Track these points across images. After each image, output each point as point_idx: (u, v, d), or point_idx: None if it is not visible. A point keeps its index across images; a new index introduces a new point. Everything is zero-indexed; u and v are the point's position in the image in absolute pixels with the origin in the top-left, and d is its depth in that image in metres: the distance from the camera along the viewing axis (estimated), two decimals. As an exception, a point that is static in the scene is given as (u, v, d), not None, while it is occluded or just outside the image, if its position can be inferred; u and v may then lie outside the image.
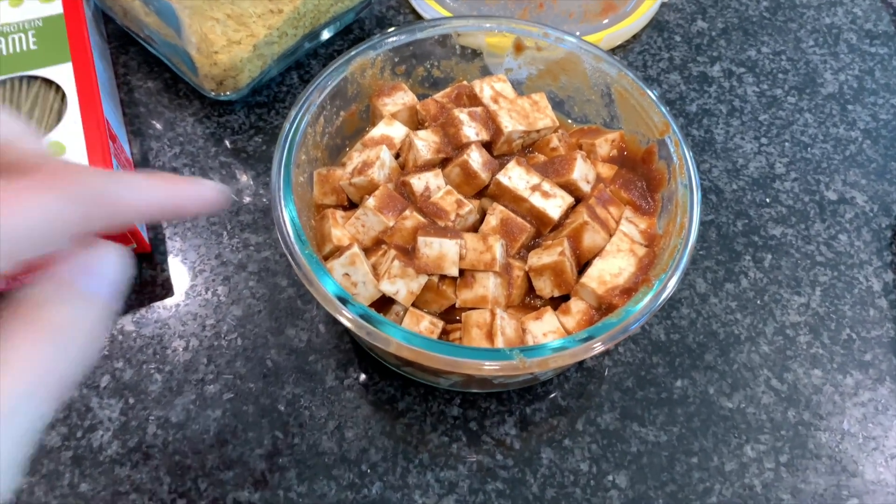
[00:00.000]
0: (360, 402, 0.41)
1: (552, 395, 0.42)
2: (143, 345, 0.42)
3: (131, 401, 0.40)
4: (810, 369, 0.43)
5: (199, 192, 0.25)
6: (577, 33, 0.56)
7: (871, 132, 0.53)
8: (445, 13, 0.55)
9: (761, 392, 0.42)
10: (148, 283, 0.44)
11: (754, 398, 0.42)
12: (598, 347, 0.33)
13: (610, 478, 0.40)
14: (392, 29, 0.42)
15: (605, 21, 0.57)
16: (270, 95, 0.52)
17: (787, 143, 0.52)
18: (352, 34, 0.56)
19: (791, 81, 0.56)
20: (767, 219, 0.49)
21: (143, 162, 0.49)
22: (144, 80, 0.52)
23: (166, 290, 0.44)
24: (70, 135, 0.42)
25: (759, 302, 0.46)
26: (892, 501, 0.39)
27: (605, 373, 0.43)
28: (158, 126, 0.51)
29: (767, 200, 0.50)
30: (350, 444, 0.40)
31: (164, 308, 0.43)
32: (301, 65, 0.54)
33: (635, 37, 0.57)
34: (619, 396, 0.42)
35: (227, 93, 0.49)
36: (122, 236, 0.42)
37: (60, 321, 0.21)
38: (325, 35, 0.53)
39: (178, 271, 0.45)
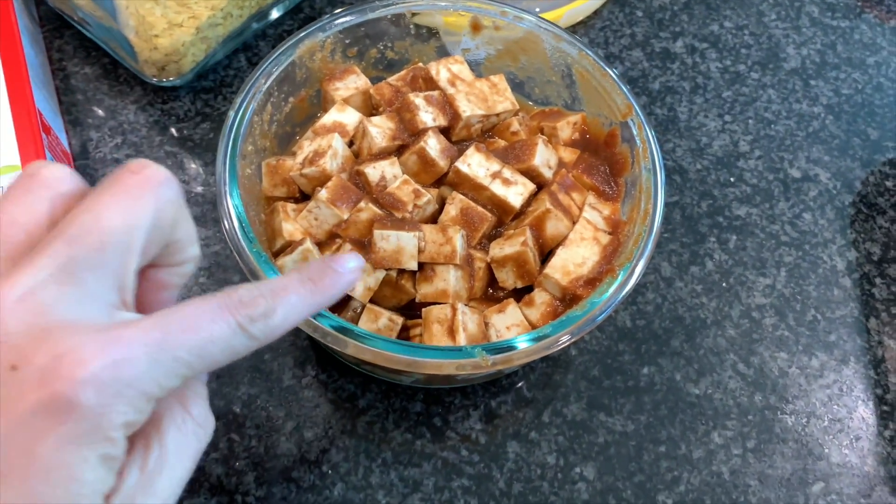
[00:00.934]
0: (318, 401, 0.40)
1: (518, 387, 0.41)
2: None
3: (76, 408, 0.38)
4: (776, 352, 0.43)
5: (345, 282, 0.29)
6: (537, 9, 0.54)
7: (834, 108, 0.53)
8: (401, -10, 0.53)
9: (728, 377, 0.42)
10: (91, 283, 0.42)
11: (721, 383, 0.42)
12: (562, 342, 0.32)
13: (577, 470, 0.39)
14: (342, 9, 0.40)
15: (567, -4, 0.56)
16: (217, 80, 0.50)
17: (750, 121, 0.52)
18: (302, 13, 0.53)
19: (754, 56, 0.55)
20: (732, 199, 0.48)
21: (81, 153, 0.46)
22: (81, 66, 0.49)
23: (111, 289, 0.42)
24: (1, 126, 0.39)
25: (724, 285, 0.45)
26: (857, 483, 0.40)
27: (572, 362, 0.42)
28: (99, 114, 0.48)
29: (732, 180, 0.49)
30: (310, 445, 0.38)
31: (109, 309, 0.41)
32: (249, 46, 0.51)
33: (596, 13, 0.56)
34: (585, 386, 0.41)
35: (170, 78, 0.47)
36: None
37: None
38: (274, 14, 0.51)
39: (124, 269, 0.42)
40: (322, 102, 0.42)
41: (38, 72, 0.45)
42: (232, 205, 0.34)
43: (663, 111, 0.51)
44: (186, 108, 0.48)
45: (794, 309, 0.45)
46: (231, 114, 0.37)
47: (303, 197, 0.39)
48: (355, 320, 0.36)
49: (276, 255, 0.37)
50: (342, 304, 0.36)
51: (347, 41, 0.41)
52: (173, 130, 0.47)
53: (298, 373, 0.40)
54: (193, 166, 0.46)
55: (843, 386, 0.42)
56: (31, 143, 0.39)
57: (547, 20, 0.41)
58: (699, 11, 0.56)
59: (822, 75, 0.54)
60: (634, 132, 0.38)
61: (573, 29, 0.55)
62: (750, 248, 0.46)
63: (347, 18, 0.40)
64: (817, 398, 0.42)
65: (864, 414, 0.42)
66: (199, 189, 0.46)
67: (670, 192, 0.48)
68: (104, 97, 0.48)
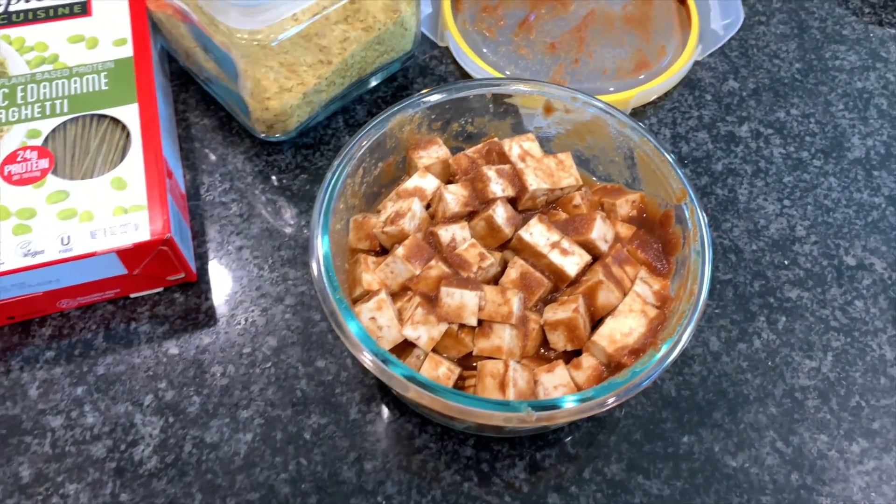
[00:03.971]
0: (380, 436, 0.44)
1: (563, 442, 0.44)
2: (185, 368, 0.46)
3: (171, 420, 0.44)
4: (816, 434, 0.45)
5: None
6: (611, 89, 0.58)
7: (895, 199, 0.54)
8: (483, 65, 0.58)
9: (766, 453, 0.44)
10: (192, 310, 0.48)
11: (758, 459, 0.44)
12: (605, 406, 0.35)
13: (612, 526, 0.41)
14: (431, 89, 0.45)
15: (641, 77, 0.60)
16: (316, 138, 0.56)
17: (809, 206, 0.54)
18: (396, 82, 0.59)
19: (818, 144, 0.57)
20: (784, 281, 0.50)
21: (194, 195, 0.53)
22: (201, 118, 0.56)
23: (209, 317, 0.48)
24: (131, 171, 0.46)
25: (770, 363, 0.47)
26: (888, 571, 0.40)
27: (616, 424, 0.45)
28: (212, 160, 0.54)
29: (786, 262, 0.51)
30: (368, 476, 0.42)
31: (205, 334, 0.47)
32: (347, 109, 0.57)
33: (667, 94, 0.59)
34: (626, 448, 0.44)
35: (277, 135, 0.53)
36: (171, 266, 0.46)
37: None
38: (372, 83, 0.57)
39: (221, 300, 0.48)
40: (406, 168, 0.47)
41: (167, 122, 0.52)
42: (322, 254, 0.39)
43: (724, 192, 0.54)
44: (288, 161, 0.55)
45: (838, 393, 0.46)
46: (329, 175, 0.42)
47: (382, 251, 0.44)
48: (418, 367, 0.40)
49: (355, 301, 0.41)
50: (407, 351, 0.41)
51: (433, 116, 0.46)
52: (274, 179, 0.54)
53: (364, 408, 0.45)
54: (289, 214, 0.52)
55: (882, 474, 0.43)
56: (157, 187, 0.45)
57: (613, 107, 0.45)
58: (767, 98, 0.59)
59: (886, 167, 0.56)
60: (687, 215, 0.41)
61: (643, 108, 0.58)
62: (798, 330, 0.48)
63: (436, 97, 0.45)
64: (855, 484, 0.43)
65: (902, 504, 0.43)
66: (291, 231, 0.51)
67: (724, 269, 0.51)
68: (217, 146, 0.55)
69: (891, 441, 0.44)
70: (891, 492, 0.43)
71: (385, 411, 0.45)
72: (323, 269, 0.39)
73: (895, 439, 0.44)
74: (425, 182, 0.45)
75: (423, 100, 0.45)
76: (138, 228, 0.44)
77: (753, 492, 0.43)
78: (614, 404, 0.35)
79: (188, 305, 0.48)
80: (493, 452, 0.44)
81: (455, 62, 0.60)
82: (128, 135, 0.48)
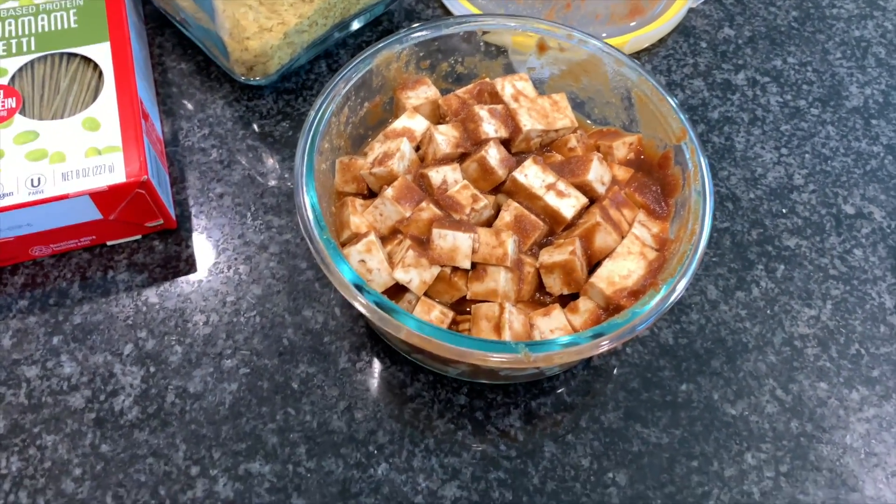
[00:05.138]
0: (370, 385, 0.42)
1: (558, 391, 0.43)
2: (166, 317, 0.44)
3: (152, 370, 0.42)
4: (816, 382, 0.44)
5: None
6: (604, 35, 0.56)
7: (894, 148, 0.53)
8: (473, 9, 0.56)
9: (765, 401, 0.43)
10: (172, 258, 0.46)
11: (758, 407, 0.43)
12: (602, 347, 0.34)
13: (610, 475, 0.40)
14: (418, 24, 0.43)
15: (633, 24, 0.58)
16: (299, 82, 0.53)
17: (807, 155, 0.52)
18: (381, 26, 0.57)
19: (815, 93, 0.56)
20: (783, 229, 0.49)
21: (172, 141, 0.50)
22: (178, 62, 0.54)
23: (190, 265, 0.46)
24: (105, 112, 0.44)
25: (769, 312, 0.46)
26: (888, 515, 0.40)
27: (612, 372, 0.44)
28: (190, 107, 0.52)
29: (784, 211, 0.50)
30: (359, 425, 0.41)
31: (186, 283, 0.45)
32: (330, 54, 0.55)
33: (661, 41, 0.57)
34: (623, 396, 0.43)
35: (257, 78, 0.50)
36: (149, 211, 0.44)
37: None
38: (355, 25, 0.54)
39: (202, 248, 0.46)
40: (394, 109, 0.45)
41: (142, 65, 0.49)
42: (307, 196, 0.37)
43: (720, 140, 0.53)
44: (269, 107, 0.52)
45: (837, 342, 0.45)
46: (311, 113, 0.40)
47: (370, 194, 0.42)
48: (410, 310, 0.38)
49: (343, 245, 0.40)
50: (399, 295, 0.39)
51: (421, 54, 0.44)
52: (255, 126, 0.51)
53: (354, 357, 0.43)
54: (272, 161, 0.50)
55: (882, 422, 0.43)
56: (132, 128, 0.43)
57: (611, 45, 0.43)
58: (763, 46, 0.58)
59: (885, 115, 0.55)
60: (687, 156, 0.40)
61: (637, 55, 0.57)
62: (797, 278, 0.47)
63: (423, 33, 0.43)
64: (856, 430, 0.42)
65: (901, 450, 0.42)
66: (275, 182, 0.49)
67: (722, 218, 0.49)
68: (196, 91, 0.53)
69: (890, 389, 0.44)
70: (891, 438, 0.42)
71: (375, 360, 0.43)
72: (309, 209, 0.37)
73: (895, 387, 0.44)
74: (414, 123, 0.43)
75: (411, 35, 0.43)
76: (113, 170, 0.42)
77: (753, 439, 0.42)
78: (614, 344, 0.34)
79: (168, 253, 0.46)
80: (488, 400, 0.42)
81: (443, 6, 0.58)
82: (100, 74, 0.45)
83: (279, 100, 0.53)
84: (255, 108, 0.52)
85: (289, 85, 0.53)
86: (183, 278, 0.45)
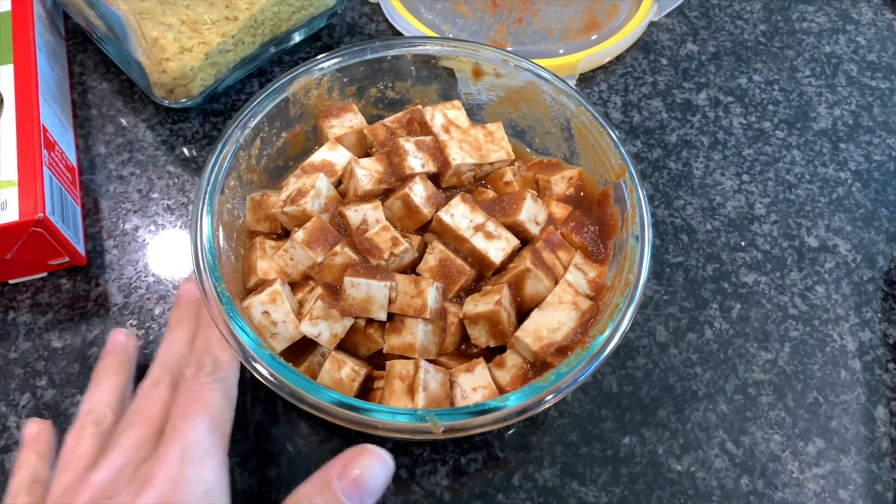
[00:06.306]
0: (288, 440, 0.39)
1: (490, 445, 0.40)
2: (68, 363, 0.40)
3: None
4: (770, 433, 0.41)
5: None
6: (560, 52, 0.53)
7: (863, 174, 0.50)
8: (417, 23, 0.52)
9: (714, 455, 0.40)
10: (80, 298, 0.43)
11: (706, 462, 0.40)
12: (521, 416, 0.31)
13: (541, 539, 0.37)
14: (336, 50, 0.40)
15: (591, 39, 0.54)
16: (228, 103, 0.50)
17: (770, 182, 0.49)
18: (320, 41, 0.53)
19: (781, 114, 0.52)
20: (740, 264, 0.46)
21: (89, 168, 0.47)
22: (100, 81, 0.50)
23: (99, 305, 0.42)
24: (2, 143, 0.40)
25: (721, 356, 0.43)
26: (841, 588, 0.37)
27: (550, 424, 0.40)
28: (110, 130, 0.49)
29: (743, 244, 0.47)
30: (271, 485, 0.38)
31: (94, 325, 0.42)
32: (264, 72, 0.51)
33: (619, 58, 0.54)
34: (561, 451, 0.40)
35: (180, 100, 0.47)
36: (50, 249, 0.41)
37: None
38: (295, 39, 0.51)
39: (114, 287, 0.43)
40: (318, 138, 0.42)
41: (53, 87, 0.46)
42: (204, 237, 0.34)
43: (677, 166, 0.49)
44: (195, 130, 0.49)
45: (794, 388, 0.42)
46: (216, 146, 0.37)
47: (285, 233, 0.39)
48: (321, 365, 0.35)
49: (250, 292, 0.36)
50: (309, 349, 0.36)
51: (346, 80, 0.41)
52: (180, 151, 0.48)
53: (269, 409, 0.40)
54: (195, 189, 0.47)
55: (839, 478, 0.40)
56: (31, 161, 0.40)
57: (548, 71, 0.40)
58: (728, 63, 0.54)
59: (854, 139, 0.51)
60: (626, 194, 0.37)
61: (592, 73, 0.53)
62: (754, 318, 0.44)
63: (336, 61, 0.40)
64: (810, 489, 0.39)
65: (858, 510, 0.39)
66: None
67: (675, 251, 0.46)
68: (117, 114, 0.49)
69: (848, 441, 0.41)
70: (847, 497, 0.39)
71: (293, 414, 0.40)
72: (204, 256, 0.33)
73: (854, 439, 0.41)
74: (335, 155, 0.39)
75: (324, 64, 0.39)
76: (6, 207, 0.38)
77: (699, 498, 0.39)
78: (534, 412, 0.31)
79: (76, 292, 0.43)
80: (413, 457, 0.39)
81: (387, 20, 0.54)
82: (0, 100, 0.42)
83: (206, 122, 0.49)
84: (180, 131, 0.49)
85: (217, 106, 0.50)
86: (91, 320, 0.42)
